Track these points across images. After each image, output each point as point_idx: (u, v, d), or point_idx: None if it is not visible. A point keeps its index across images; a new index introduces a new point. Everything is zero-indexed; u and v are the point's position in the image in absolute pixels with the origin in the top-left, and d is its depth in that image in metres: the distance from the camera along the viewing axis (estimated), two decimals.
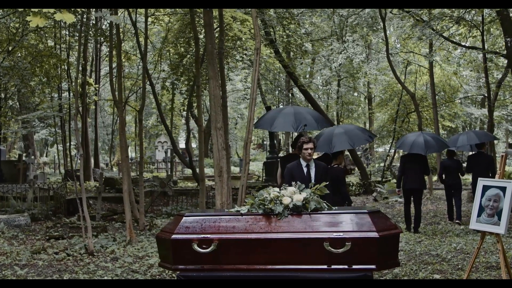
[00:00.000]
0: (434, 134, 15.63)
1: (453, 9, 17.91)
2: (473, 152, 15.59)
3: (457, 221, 14.67)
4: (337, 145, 10.31)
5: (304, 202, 5.20)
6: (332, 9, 24.94)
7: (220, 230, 5.15)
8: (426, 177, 14.98)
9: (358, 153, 33.35)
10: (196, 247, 5.06)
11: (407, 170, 13.35)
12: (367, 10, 23.99)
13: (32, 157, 28.89)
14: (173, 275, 8.08)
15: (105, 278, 8.73)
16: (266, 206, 5.21)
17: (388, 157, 32.06)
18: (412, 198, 13.52)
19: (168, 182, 18.84)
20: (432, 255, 10.03)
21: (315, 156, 8.97)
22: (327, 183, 5.65)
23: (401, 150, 21.59)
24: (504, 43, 18.11)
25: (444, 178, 14.77)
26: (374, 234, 4.89)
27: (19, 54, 23.78)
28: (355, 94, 46.39)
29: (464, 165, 15.89)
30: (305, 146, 8.06)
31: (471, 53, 29.49)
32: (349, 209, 5.44)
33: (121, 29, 18.56)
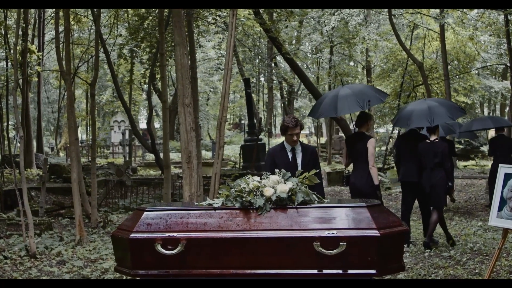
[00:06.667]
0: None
1: None
2: (494, 135, 16.06)
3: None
4: (436, 118, 10.88)
5: (289, 194, 5.16)
6: None
7: (189, 228, 5.11)
8: None
9: None
10: (159, 248, 5.03)
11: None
12: None
13: None
14: None
15: None
16: (244, 199, 5.16)
17: (390, 140, 32.14)
18: None
19: (126, 170, 18.80)
20: (443, 257, 10.09)
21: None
22: (318, 170, 5.63)
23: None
24: None
25: None
26: (374, 232, 4.86)
27: None
28: (351, 63, 46.44)
29: (485, 148, 16.34)
30: (289, 131, 7.96)
31: (490, 14, 29.51)
32: (344, 202, 5.42)
33: None
